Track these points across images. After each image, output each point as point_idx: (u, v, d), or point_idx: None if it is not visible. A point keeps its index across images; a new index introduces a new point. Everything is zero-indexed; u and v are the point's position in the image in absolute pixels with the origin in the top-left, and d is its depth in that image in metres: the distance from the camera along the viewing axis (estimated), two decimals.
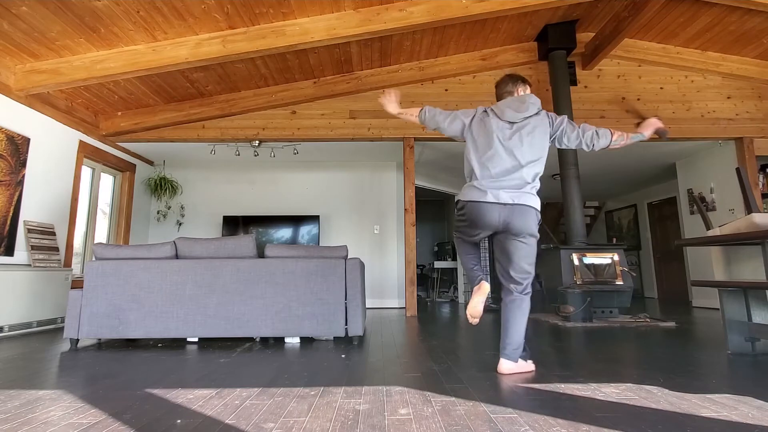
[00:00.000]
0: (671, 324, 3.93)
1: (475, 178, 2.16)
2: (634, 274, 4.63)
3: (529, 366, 2.16)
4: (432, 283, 8.03)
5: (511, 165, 2.12)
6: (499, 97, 2.34)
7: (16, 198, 3.84)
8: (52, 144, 4.28)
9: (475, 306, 2.18)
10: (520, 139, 2.15)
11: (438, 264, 7.66)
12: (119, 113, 4.96)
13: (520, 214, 2.08)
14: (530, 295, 2.19)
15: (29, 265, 3.92)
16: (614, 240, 8.90)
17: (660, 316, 4.76)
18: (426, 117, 2.35)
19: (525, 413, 1.51)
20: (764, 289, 2.55)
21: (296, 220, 6.11)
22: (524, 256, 2.14)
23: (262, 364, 2.38)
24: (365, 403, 1.64)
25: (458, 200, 2.25)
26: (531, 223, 2.10)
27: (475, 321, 2.22)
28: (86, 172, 5.03)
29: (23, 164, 3.92)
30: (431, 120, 2.34)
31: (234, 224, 6.10)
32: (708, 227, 2.95)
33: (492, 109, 2.25)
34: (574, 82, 5.17)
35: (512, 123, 2.18)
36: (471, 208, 2.14)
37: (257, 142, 5.24)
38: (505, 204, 2.08)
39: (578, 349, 2.75)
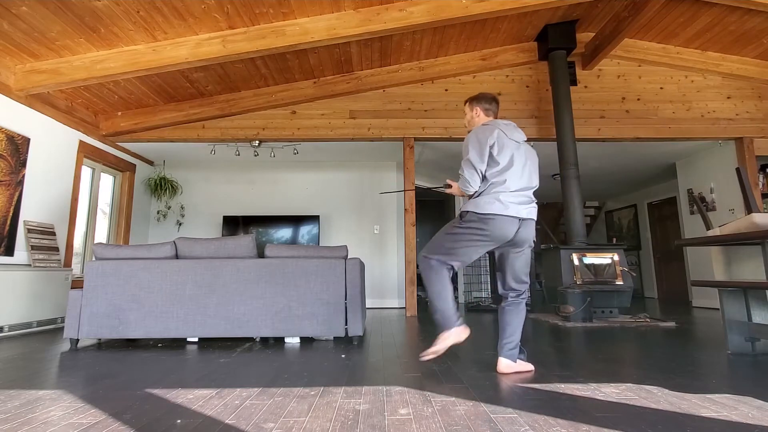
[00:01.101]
0: (671, 324, 3.93)
1: (494, 191, 2.11)
2: (634, 274, 4.63)
3: (527, 366, 2.17)
4: None
5: (525, 183, 2.18)
6: (483, 109, 2.34)
7: (16, 198, 3.84)
8: (52, 144, 4.28)
9: (445, 346, 2.14)
10: (526, 160, 2.21)
11: None
12: (119, 113, 4.96)
13: (528, 226, 2.15)
14: (525, 300, 2.24)
15: (29, 265, 3.92)
16: (614, 240, 8.90)
17: (660, 316, 4.76)
18: (466, 174, 2.17)
19: (525, 413, 1.51)
20: (764, 289, 2.55)
21: (296, 220, 6.11)
22: (524, 265, 2.22)
23: (262, 364, 2.38)
24: (365, 403, 1.64)
25: (473, 212, 2.12)
26: (533, 234, 2.18)
27: (432, 356, 2.21)
28: (86, 172, 5.03)
29: (23, 164, 3.92)
30: (473, 176, 2.16)
31: (234, 224, 6.10)
32: (708, 227, 2.95)
33: (498, 126, 2.23)
34: (574, 82, 5.17)
35: (518, 143, 2.23)
36: (495, 220, 2.09)
37: (257, 142, 5.25)
38: (521, 219, 2.12)
39: (578, 349, 2.75)
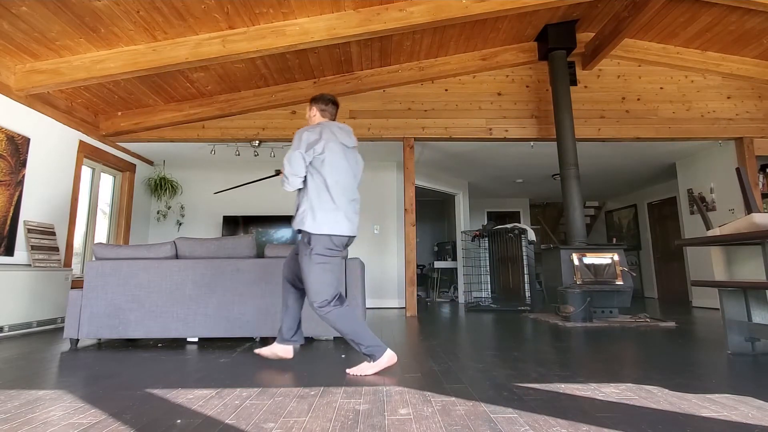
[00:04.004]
0: (671, 324, 3.93)
1: (335, 206, 2.17)
2: (634, 274, 4.62)
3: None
4: (432, 283, 8.03)
5: (355, 192, 2.31)
6: (319, 109, 2.40)
7: (16, 198, 3.83)
8: (52, 144, 4.28)
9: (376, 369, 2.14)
10: (353, 168, 2.33)
11: (438, 264, 7.66)
12: (119, 113, 4.96)
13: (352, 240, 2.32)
14: None
15: (29, 265, 3.92)
16: (614, 240, 8.90)
17: (660, 316, 4.76)
18: (287, 171, 2.20)
19: (525, 413, 1.51)
20: (764, 289, 2.55)
21: None
22: None
23: (262, 364, 2.37)
24: (365, 403, 1.64)
25: (324, 234, 2.13)
26: None
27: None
28: (86, 172, 5.03)
29: (23, 164, 3.92)
30: (295, 175, 2.19)
31: (234, 224, 6.10)
32: (708, 227, 2.95)
33: (328, 128, 2.28)
34: (574, 82, 5.17)
35: (346, 146, 2.31)
36: (342, 239, 2.20)
37: (257, 142, 5.24)
38: (352, 237, 2.27)
39: (578, 349, 2.75)
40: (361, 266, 3.40)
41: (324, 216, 2.15)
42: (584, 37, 5.15)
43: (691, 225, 6.12)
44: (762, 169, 5.46)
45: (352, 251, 6.17)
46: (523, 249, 5.67)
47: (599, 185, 7.97)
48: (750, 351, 2.59)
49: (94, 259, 3.16)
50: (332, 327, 2.18)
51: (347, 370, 2.16)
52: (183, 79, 4.45)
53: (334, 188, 2.19)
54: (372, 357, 2.14)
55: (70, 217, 4.53)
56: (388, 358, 2.14)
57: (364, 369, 2.12)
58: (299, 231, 2.21)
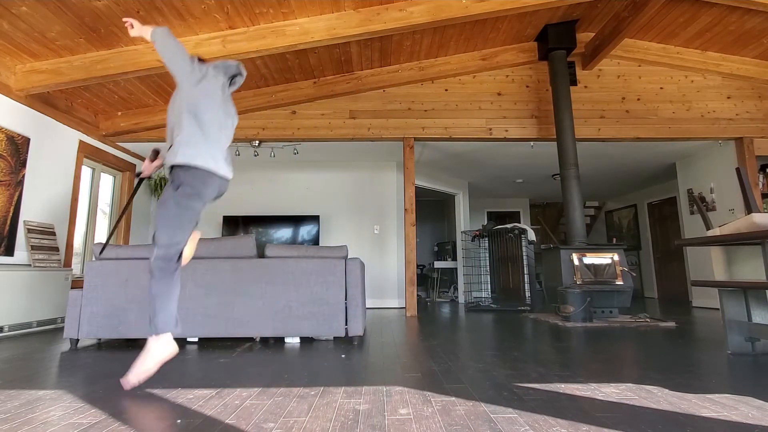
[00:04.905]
0: (671, 324, 3.93)
1: (209, 141, 1.96)
2: (634, 274, 4.62)
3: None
4: (432, 283, 8.03)
5: (229, 135, 2.11)
6: None
7: (16, 198, 3.83)
8: (52, 144, 4.28)
9: (159, 359, 1.86)
10: (227, 103, 2.14)
11: (438, 264, 7.66)
12: (119, 113, 4.96)
13: (226, 185, 2.10)
14: None
15: (29, 265, 3.92)
16: (614, 240, 8.90)
17: (660, 316, 4.76)
18: (161, 40, 1.96)
19: (525, 413, 1.51)
20: (764, 289, 2.55)
21: (296, 220, 6.11)
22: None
23: (262, 364, 2.38)
24: (365, 403, 1.64)
25: (194, 166, 1.89)
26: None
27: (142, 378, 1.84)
28: (86, 172, 5.03)
29: (23, 164, 3.92)
30: (168, 47, 1.95)
31: (234, 224, 6.10)
32: (708, 227, 2.94)
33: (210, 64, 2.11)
34: (574, 82, 5.17)
35: (221, 81, 2.13)
36: (206, 177, 1.93)
37: (257, 142, 5.24)
38: (225, 179, 2.05)
39: (578, 349, 2.75)
40: (361, 266, 3.40)
41: (202, 152, 1.93)
42: (584, 37, 5.15)
43: (691, 225, 6.12)
44: (762, 169, 5.46)
45: (353, 251, 6.17)
46: (523, 249, 5.67)
47: (599, 185, 7.97)
48: (750, 351, 2.59)
49: (94, 259, 3.16)
50: (157, 280, 1.87)
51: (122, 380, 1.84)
52: None
53: (218, 131, 2.03)
54: (156, 331, 1.86)
55: (70, 217, 4.53)
56: (170, 341, 1.89)
57: (144, 359, 1.84)
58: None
